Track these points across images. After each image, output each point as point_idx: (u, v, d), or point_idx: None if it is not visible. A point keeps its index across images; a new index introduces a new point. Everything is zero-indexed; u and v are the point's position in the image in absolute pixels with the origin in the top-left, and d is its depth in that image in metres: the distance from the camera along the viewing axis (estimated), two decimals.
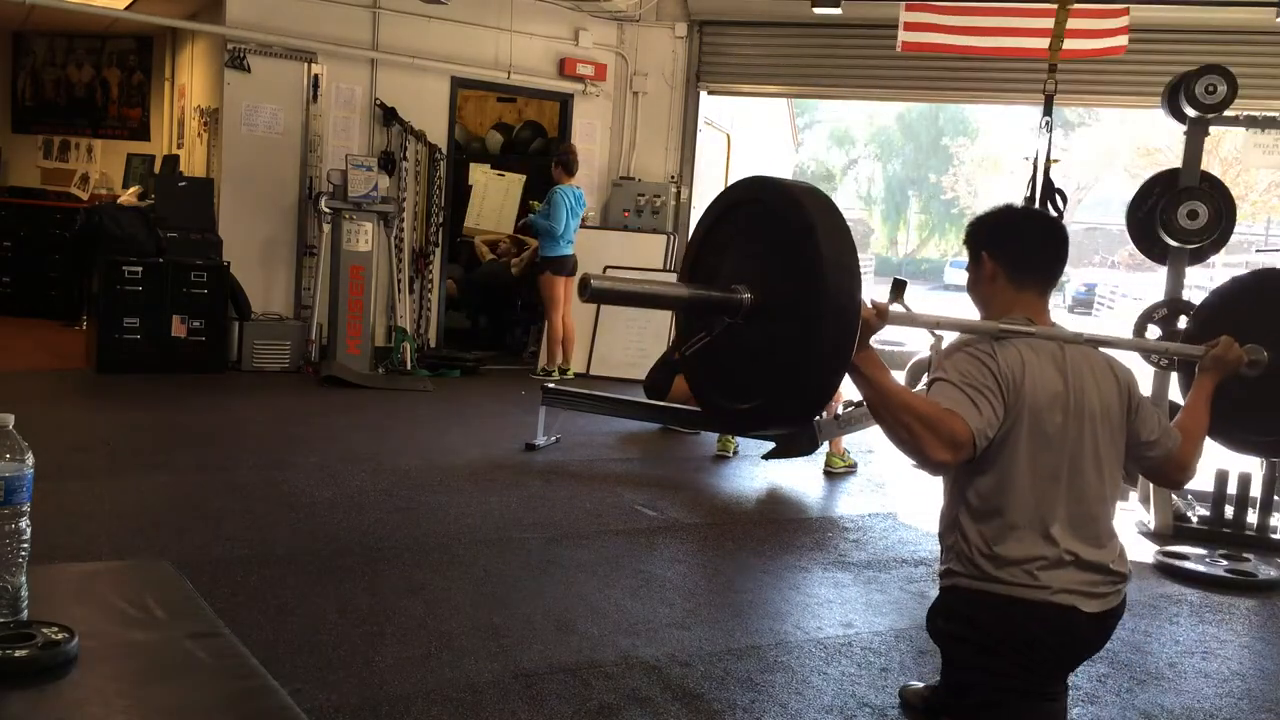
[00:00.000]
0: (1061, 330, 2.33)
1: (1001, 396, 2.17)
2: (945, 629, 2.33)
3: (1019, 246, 2.36)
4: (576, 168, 8.27)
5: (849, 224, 2.01)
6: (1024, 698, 2.25)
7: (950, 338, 2.36)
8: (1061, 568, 2.20)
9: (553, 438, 5.88)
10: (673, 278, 8.88)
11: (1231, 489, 4.83)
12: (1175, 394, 5.13)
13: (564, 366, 8.23)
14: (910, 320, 2.27)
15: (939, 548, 2.39)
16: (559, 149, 8.59)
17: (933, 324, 2.31)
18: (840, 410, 5.49)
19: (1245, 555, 4.47)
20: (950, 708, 2.43)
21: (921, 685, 2.87)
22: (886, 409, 2.11)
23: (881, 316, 2.13)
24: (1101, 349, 2.43)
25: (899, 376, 5.99)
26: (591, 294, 1.97)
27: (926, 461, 2.12)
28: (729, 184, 2.15)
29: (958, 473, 2.26)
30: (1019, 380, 2.19)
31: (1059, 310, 26.53)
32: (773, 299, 1.99)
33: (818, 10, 8.04)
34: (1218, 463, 5.07)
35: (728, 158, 11.66)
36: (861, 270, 1.98)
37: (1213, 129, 5.04)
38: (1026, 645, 2.21)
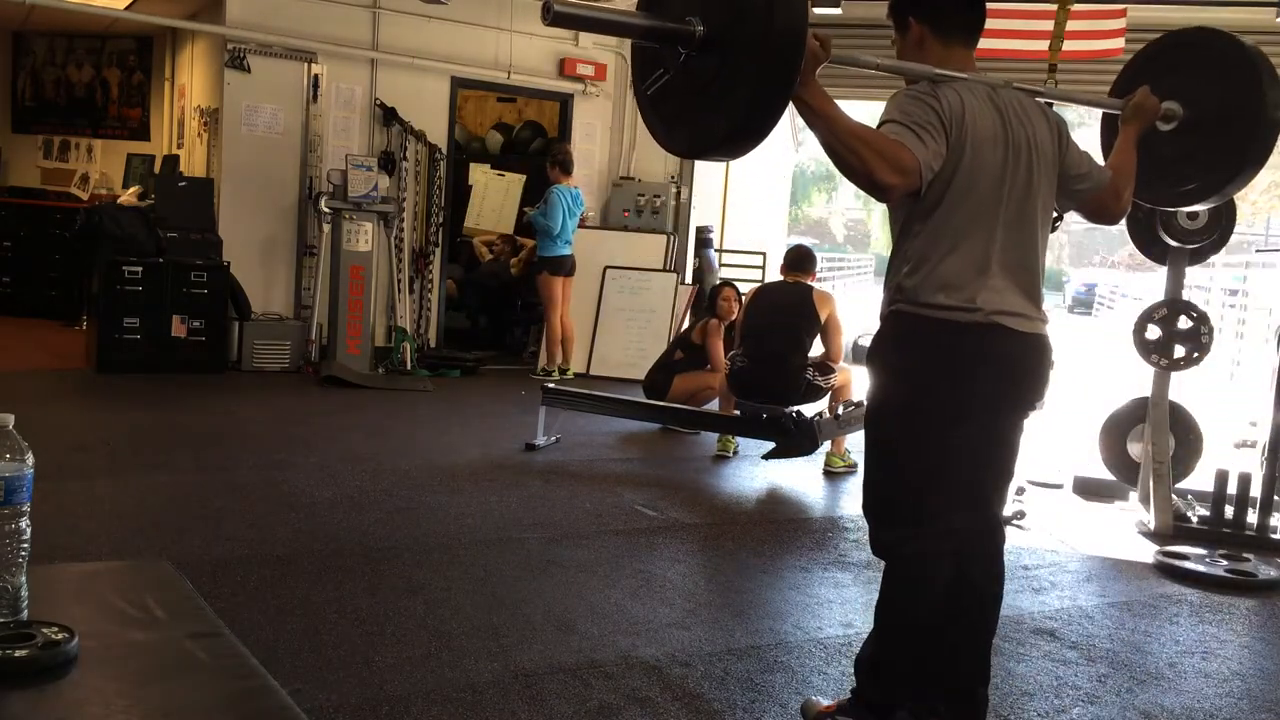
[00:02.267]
0: (993, 78, 2.49)
1: (944, 132, 2.29)
2: (881, 350, 2.51)
3: (943, 5, 2.50)
4: (573, 167, 8.28)
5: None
6: (946, 418, 2.40)
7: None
8: (994, 293, 2.36)
9: (553, 438, 5.88)
10: (673, 278, 8.84)
11: (1231, 489, 4.83)
12: (1175, 394, 5.14)
13: (564, 366, 8.23)
14: (853, 61, 2.41)
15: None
16: (555, 149, 8.60)
17: (875, 65, 2.47)
18: (840, 410, 5.49)
19: (1245, 555, 4.47)
20: (871, 425, 2.58)
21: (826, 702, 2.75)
22: (836, 137, 2.20)
23: (825, 47, 2.21)
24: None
25: None
26: (554, 16, 2.04)
27: (875, 186, 2.23)
28: None
29: (906, 214, 2.41)
30: (960, 117, 2.32)
31: (1059, 310, 26.55)
32: (724, 29, 2.05)
33: (818, 10, 8.04)
34: (1218, 463, 5.09)
35: None
36: (808, 3, 2.08)
37: None
38: (960, 359, 2.38)
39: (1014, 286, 2.41)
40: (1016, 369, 2.45)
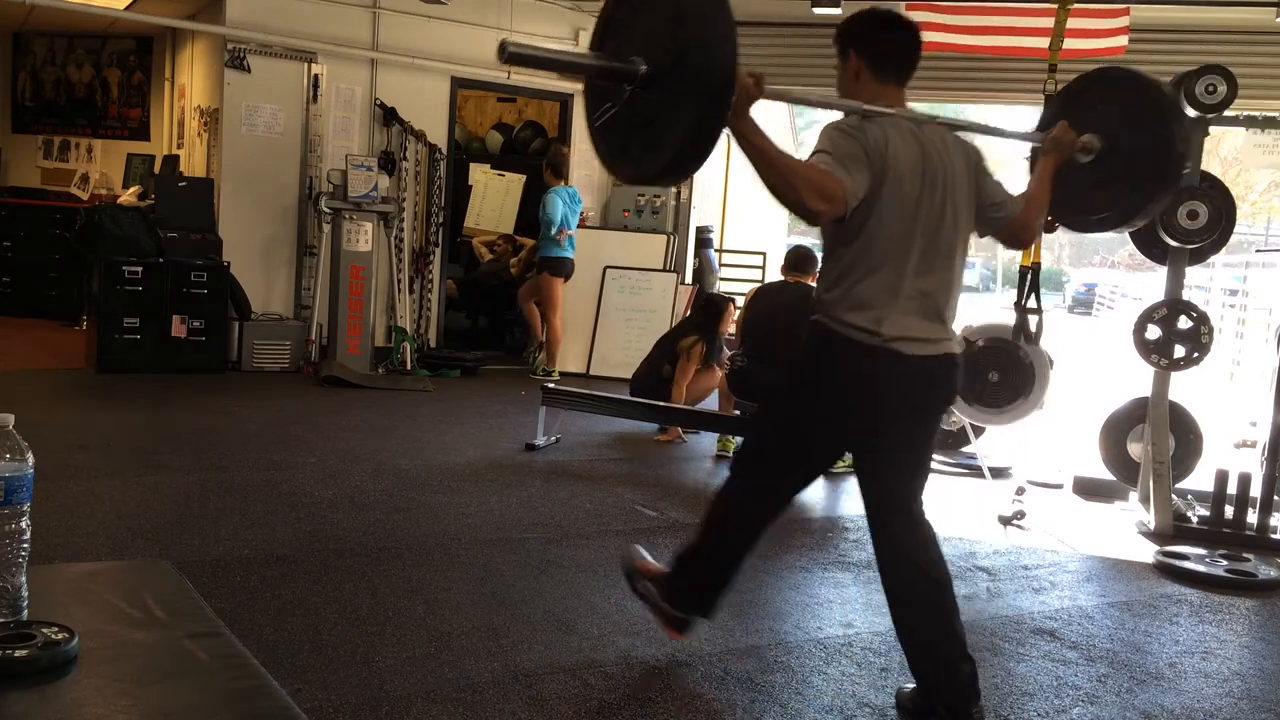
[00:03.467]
0: (918, 113, 2.74)
1: (868, 164, 2.52)
2: (799, 349, 2.81)
3: (881, 44, 2.75)
4: (567, 170, 8.30)
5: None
6: (821, 422, 2.72)
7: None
8: (901, 316, 2.60)
9: (553, 438, 5.88)
10: (673, 278, 8.78)
11: (1231, 489, 4.83)
12: (1175, 394, 5.14)
13: (548, 368, 8.23)
14: (787, 96, 2.64)
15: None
16: (550, 151, 8.60)
17: (806, 100, 2.77)
18: None
19: (1245, 555, 4.47)
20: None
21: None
22: (771, 167, 2.42)
23: (759, 85, 2.39)
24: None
25: None
26: (509, 56, 2.26)
27: (805, 211, 2.47)
28: None
29: (832, 239, 2.67)
30: (882, 151, 2.55)
31: (1059, 310, 26.57)
32: (665, 69, 2.27)
33: (817, 10, 8.04)
34: (1218, 463, 5.09)
35: (727, 158, 11.65)
36: (737, 45, 2.22)
37: (1213, 129, 5.04)
38: (854, 378, 2.65)
39: (922, 311, 2.65)
40: (906, 390, 2.68)
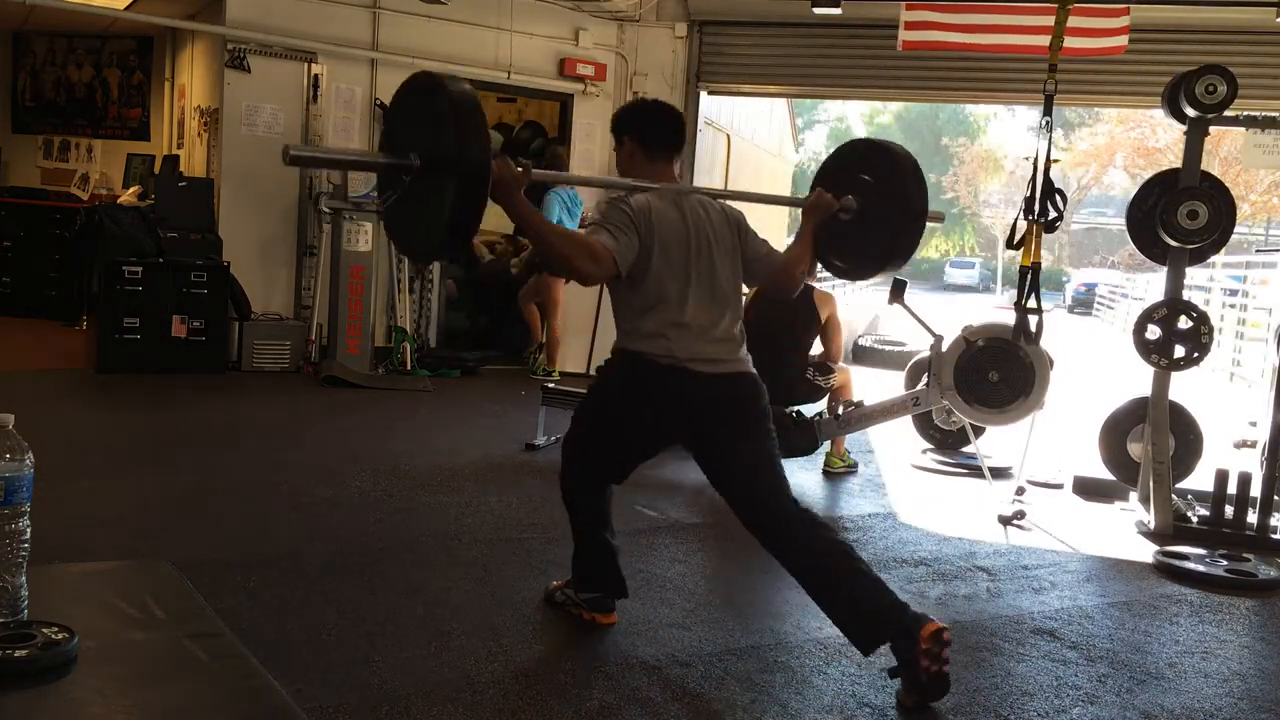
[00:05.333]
0: (681, 185, 3.24)
1: (635, 229, 2.97)
2: (610, 367, 3.25)
3: (647, 129, 3.20)
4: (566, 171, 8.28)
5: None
6: (624, 425, 3.17)
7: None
8: (687, 343, 3.01)
9: (553, 438, 5.87)
10: None
11: (1231, 489, 4.83)
12: (1175, 394, 5.14)
13: (548, 368, 8.24)
14: (554, 178, 3.11)
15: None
16: (547, 153, 8.59)
17: (580, 181, 3.31)
18: (840, 410, 5.49)
19: (1245, 555, 4.47)
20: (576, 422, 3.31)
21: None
22: (542, 238, 2.94)
23: (526, 172, 2.83)
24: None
25: (898, 375, 6.07)
26: (291, 159, 2.64)
27: (576, 272, 2.92)
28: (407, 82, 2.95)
29: (621, 293, 3.07)
30: (647, 216, 3.00)
31: (1059, 310, 26.58)
32: (434, 162, 2.65)
33: (818, 10, 8.04)
34: (1217, 463, 5.09)
35: (728, 158, 11.66)
36: (487, 137, 2.66)
37: (1213, 129, 5.04)
38: (647, 389, 3.04)
39: (706, 339, 3.05)
40: (706, 403, 3.04)
